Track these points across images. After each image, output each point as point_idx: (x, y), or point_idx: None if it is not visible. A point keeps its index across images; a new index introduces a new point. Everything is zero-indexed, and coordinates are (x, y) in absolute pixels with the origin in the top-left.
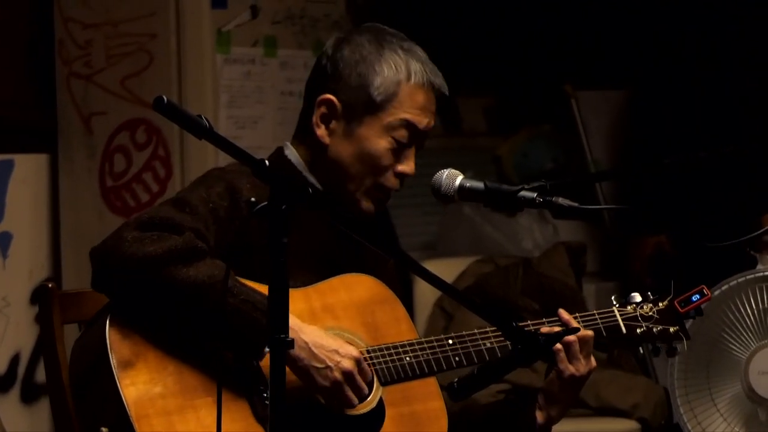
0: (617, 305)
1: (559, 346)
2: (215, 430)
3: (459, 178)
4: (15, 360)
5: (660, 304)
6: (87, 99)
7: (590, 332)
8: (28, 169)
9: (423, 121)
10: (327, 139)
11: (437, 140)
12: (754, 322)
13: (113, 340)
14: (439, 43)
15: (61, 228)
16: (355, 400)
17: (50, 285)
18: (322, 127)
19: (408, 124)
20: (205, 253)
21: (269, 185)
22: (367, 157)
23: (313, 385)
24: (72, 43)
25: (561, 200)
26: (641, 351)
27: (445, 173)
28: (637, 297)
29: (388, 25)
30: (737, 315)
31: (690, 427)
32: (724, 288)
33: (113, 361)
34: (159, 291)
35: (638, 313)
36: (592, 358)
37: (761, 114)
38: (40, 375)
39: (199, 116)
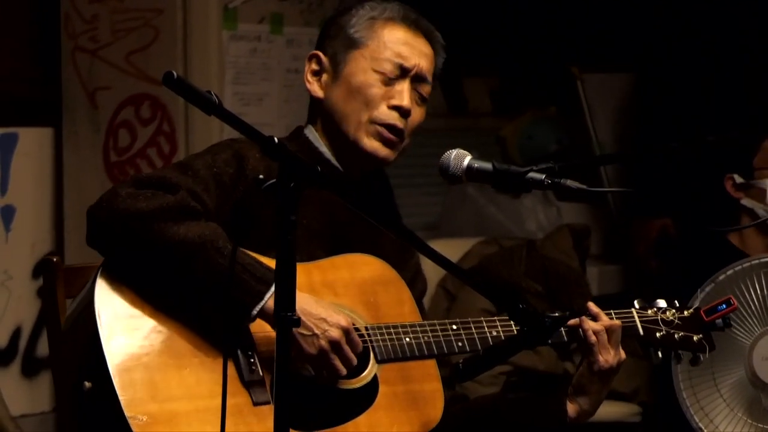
0: (638, 308)
1: (593, 338)
2: (197, 390)
3: (467, 159)
4: (16, 334)
5: (685, 312)
6: (92, 73)
7: (617, 322)
8: (32, 143)
9: (408, 56)
10: (320, 93)
11: (441, 120)
12: (758, 308)
13: (100, 296)
14: (445, 23)
15: (64, 202)
16: (343, 370)
17: (54, 259)
18: (314, 82)
19: (391, 55)
20: (199, 213)
21: (278, 162)
22: (355, 90)
23: (300, 353)
24: (78, 17)
25: (569, 182)
26: (660, 356)
27: (453, 153)
28: (662, 303)
29: None
30: (742, 300)
31: (692, 412)
32: (729, 273)
33: (99, 316)
34: (148, 247)
35: (659, 317)
36: (621, 350)
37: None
38: (41, 349)
39: (208, 92)
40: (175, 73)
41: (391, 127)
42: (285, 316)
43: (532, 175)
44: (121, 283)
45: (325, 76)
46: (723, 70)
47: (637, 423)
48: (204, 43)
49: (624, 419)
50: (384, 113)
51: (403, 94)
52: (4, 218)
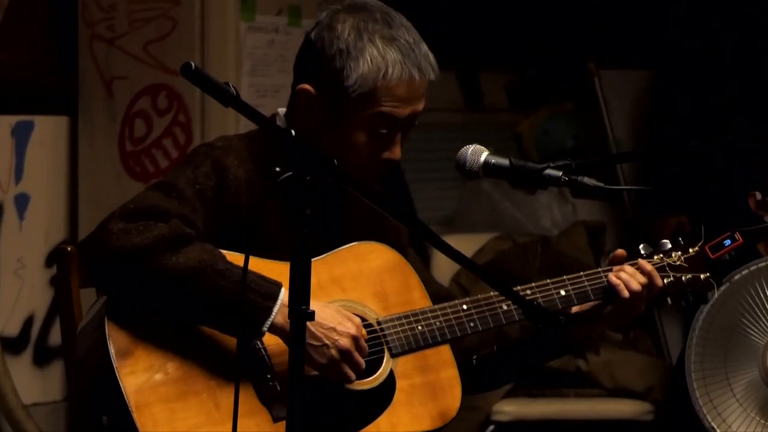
0: (644, 254)
1: (635, 287)
2: (217, 416)
3: (484, 155)
4: (28, 322)
5: (690, 251)
6: (109, 63)
7: (658, 281)
8: (48, 131)
9: (403, 111)
10: (308, 126)
11: (458, 115)
12: None
13: (111, 329)
14: (462, 19)
15: (78, 191)
16: (353, 376)
17: (68, 248)
18: (304, 115)
19: (385, 117)
20: (193, 238)
21: (294, 155)
22: (347, 149)
23: (310, 362)
24: (95, 6)
25: (586, 180)
26: (669, 302)
27: (470, 149)
28: (667, 244)
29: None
30: (757, 300)
31: (705, 412)
32: (744, 272)
33: (111, 351)
34: (151, 281)
35: (666, 263)
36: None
37: None
38: (53, 338)
39: (226, 84)
40: (193, 64)
41: (380, 174)
42: (299, 309)
43: (549, 171)
44: (128, 316)
45: (315, 113)
46: (740, 69)
47: (650, 421)
48: (221, 34)
49: (636, 417)
50: (378, 165)
51: (396, 147)
52: (18, 206)
